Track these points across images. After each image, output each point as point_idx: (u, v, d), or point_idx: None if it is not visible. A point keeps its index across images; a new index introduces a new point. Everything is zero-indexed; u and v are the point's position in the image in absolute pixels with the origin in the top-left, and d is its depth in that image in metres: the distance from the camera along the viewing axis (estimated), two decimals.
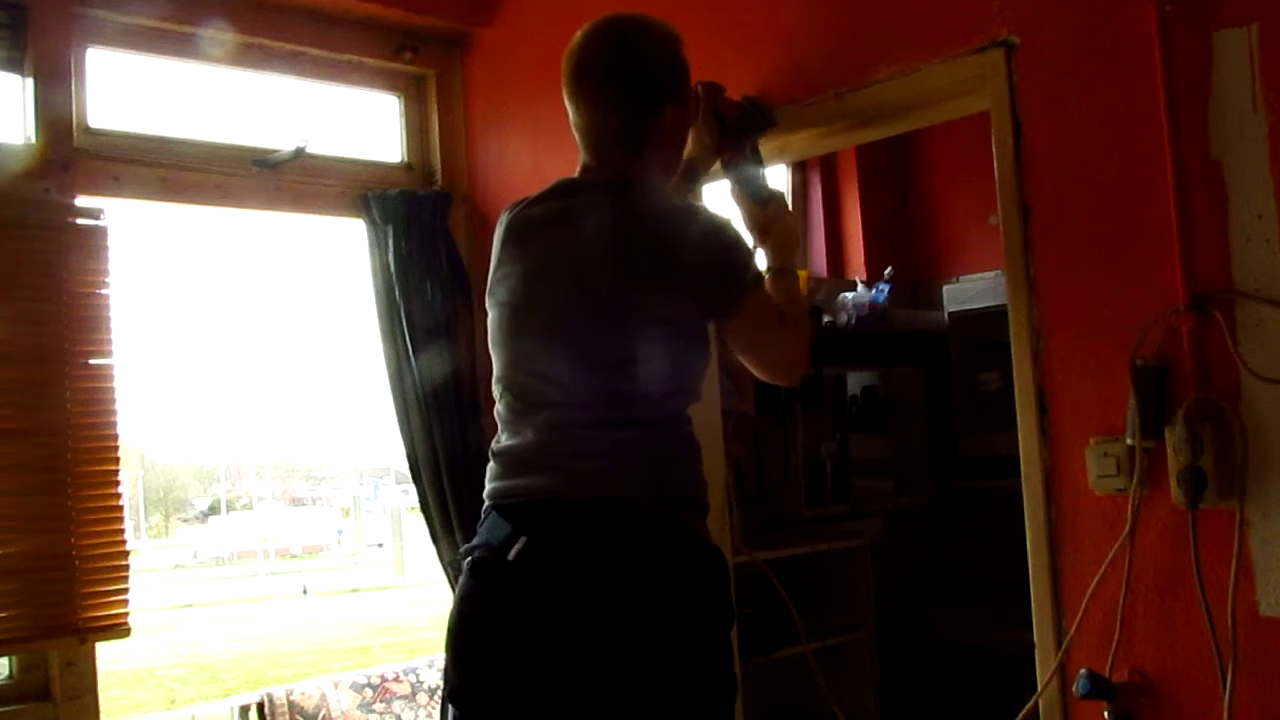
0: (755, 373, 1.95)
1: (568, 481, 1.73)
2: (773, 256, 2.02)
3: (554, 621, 1.67)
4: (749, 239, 1.99)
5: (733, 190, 2.14)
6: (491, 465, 1.83)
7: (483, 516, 1.81)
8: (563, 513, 1.72)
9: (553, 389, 1.77)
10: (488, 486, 1.82)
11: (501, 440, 1.83)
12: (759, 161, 2.18)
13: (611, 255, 1.77)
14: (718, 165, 2.21)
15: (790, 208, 2.16)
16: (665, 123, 1.86)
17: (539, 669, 1.68)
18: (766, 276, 1.94)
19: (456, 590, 1.82)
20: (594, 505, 1.71)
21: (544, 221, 1.86)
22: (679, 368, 1.79)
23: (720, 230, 1.82)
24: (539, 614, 1.68)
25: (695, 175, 2.20)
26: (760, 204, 2.08)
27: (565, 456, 1.74)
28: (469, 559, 1.78)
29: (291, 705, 3.06)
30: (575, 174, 1.91)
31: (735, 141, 2.17)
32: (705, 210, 1.90)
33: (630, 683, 1.66)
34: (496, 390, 1.86)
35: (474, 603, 1.77)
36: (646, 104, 1.85)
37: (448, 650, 1.80)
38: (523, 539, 1.70)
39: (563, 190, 1.89)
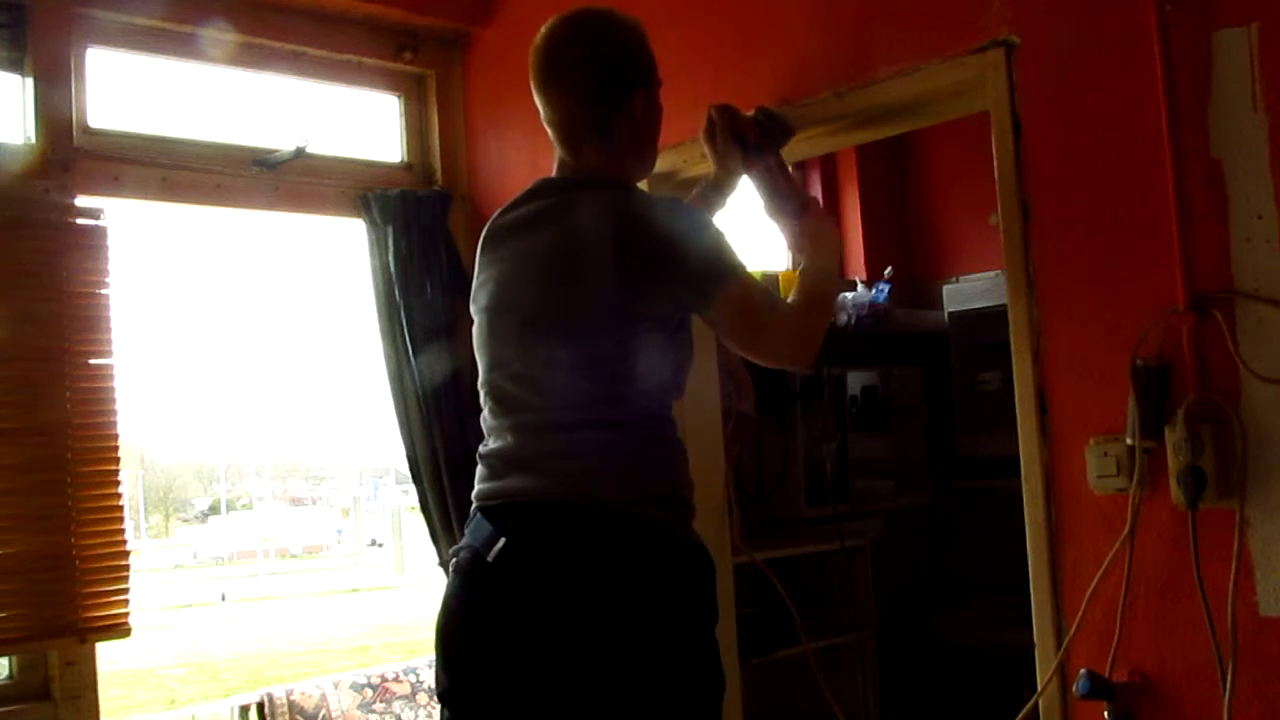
0: (756, 360, 1.90)
1: (548, 483, 1.73)
2: (813, 259, 1.95)
3: (535, 622, 1.68)
4: (732, 230, 1.94)
5: (766, 208, 2.10)
6: (478, 468, 1.84)
7: (470, 518, 1.81)
8: (542, 514, 1.72)
9: (531, 391, 1.78)
10: (474, 489, 1.83)
11: (487, 444, 1.84)
12: (785, 172, 2.13)
13: (584, 254, 1.77)
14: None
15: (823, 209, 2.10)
16: (637, 110, 1.87)
17: (523, 669, 1.69)
18: (796, 271, 1.93)
19: (443, 592, 1.83)
20: (573, 506, 1.71)
21: (519, 225, 1.88)
22: (657, 364, 1.78)
23: (690, 222, 1.81)
24: (520, 614, 1.69)
25: (723, 195, 2.17)
26: (797, 217, 2.04)
27: (545, 458, 1.75)
28: (453, 560, 1.79)
29: (291, 705, 3.06)
30: (552, 173, 1.92)
31: (759, 159, 2.12)
32: (677, 203, 1.90)
33: (613, 681, 1.66)
34: (481, 395, 1.86)
35: (457, 604, 1.78)
36: (616, 92, 1.85)
37: (436, 652, 1.81)
38: (502, 540, 1.70)
39: (538, 192, 1.90)
